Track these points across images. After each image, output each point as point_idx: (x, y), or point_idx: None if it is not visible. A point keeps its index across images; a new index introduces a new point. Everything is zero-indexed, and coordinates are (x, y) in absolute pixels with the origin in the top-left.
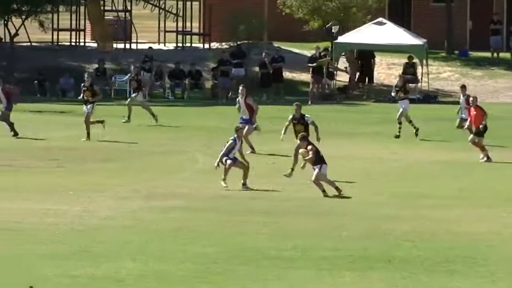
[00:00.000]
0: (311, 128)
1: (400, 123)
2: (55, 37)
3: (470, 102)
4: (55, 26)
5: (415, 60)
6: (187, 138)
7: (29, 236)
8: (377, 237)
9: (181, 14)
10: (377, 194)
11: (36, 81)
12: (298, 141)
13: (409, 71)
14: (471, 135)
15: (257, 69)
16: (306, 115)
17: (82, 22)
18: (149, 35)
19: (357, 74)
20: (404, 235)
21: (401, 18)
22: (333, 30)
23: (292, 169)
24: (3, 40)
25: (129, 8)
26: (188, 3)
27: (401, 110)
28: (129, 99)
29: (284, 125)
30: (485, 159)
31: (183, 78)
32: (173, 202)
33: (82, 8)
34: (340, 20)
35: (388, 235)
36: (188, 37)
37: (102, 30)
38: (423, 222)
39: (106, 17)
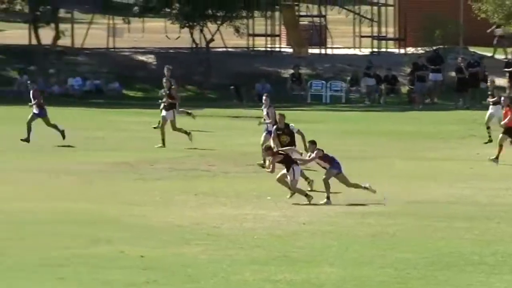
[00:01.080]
0: (297, 137)
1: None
2: (250, 42)
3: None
4: (250, 31)
5: None
6: (384, 143)
7: (228, 242)
8: None
9: (376, 19)
10: None
11: (232, 87)
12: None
13: None
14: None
15: (453, 74)
16: (291, 124)
17: (277, 27)
18: (344, 40)
19: None
20: None
21: None
22: None
23: None
24: (199, 46)
25: (324, 13)
26: (383, 8)
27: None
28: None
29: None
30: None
31: (379, 83)
32: (369, 208)
33: (277, 14)
34: None
35: None
36: (383, 42)
37: (297, 36)
38: None
39: (301, 22)
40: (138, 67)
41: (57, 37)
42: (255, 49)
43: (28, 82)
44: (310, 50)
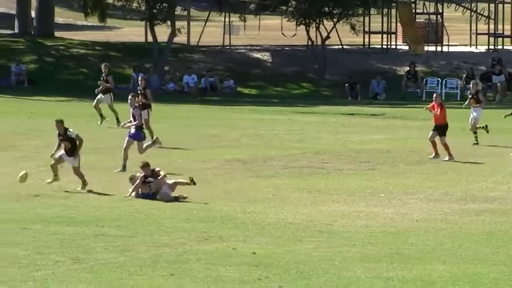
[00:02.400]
0: None
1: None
2: (366, 39)
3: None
4: (366, 29)
5: None
6: (503, 140)
7: (340, 239)
8: None
9: (492, 16)
10: None
11: (347, 84)
12: None
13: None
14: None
15: None
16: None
17: (393, 24)
18: (460, 38)
19: None
20: None
21: None
22: None
23: None
24: (315, 43)
25: (440, 10)
26: (500, 6)
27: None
28: None
29: None
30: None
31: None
32: (485, 205)
33: (393, 11)
34: None
35: None
36: (499, 39)
37: (413, 33)
38: None
39: (417, 20)
40: (253, 64)
41: (173, 34)
42: (371, 46)
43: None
44: (426, 48)
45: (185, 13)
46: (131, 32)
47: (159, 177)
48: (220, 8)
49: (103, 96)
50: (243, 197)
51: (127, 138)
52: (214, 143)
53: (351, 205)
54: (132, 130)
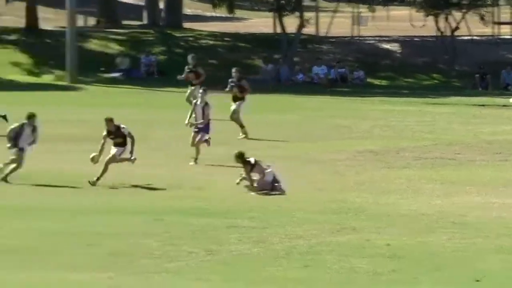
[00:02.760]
0: None
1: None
2: (495, 30)
3: None
4: (495, 19)
5: None
6: None
7: (474, 230)
8: None
9: None
10: None
11: (477, 75)
12: None
13: None
14: None
15: None
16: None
17: None
18: None
19: None
20: None
21: None
22: None
23: None
24: (444, 34)
25: None
26: None
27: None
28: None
29: None
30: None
31: None
32: None
33: None
34: None
35: None
36: None
37: None
38: None
39: None
40: (383, 55)
41: (301, 25)
42: (500, 37)
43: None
44: None
45: (314, 3)
46: (260, 23)
47: None
48: None
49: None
50: (375, 188)
51: (192, 134)
52: (345, 134)
53: (484, 196)
54: (200, 126)
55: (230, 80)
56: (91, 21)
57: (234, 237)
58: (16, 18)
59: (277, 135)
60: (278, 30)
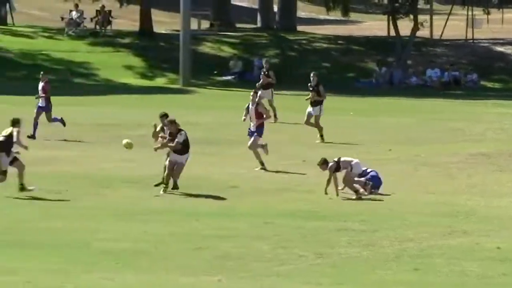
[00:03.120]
0: None
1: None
2: None
3: None
4: None
5: None
6: None
7: None
8: None
9: None
10: None
11: None
12: None
13: None
14: None
15: None
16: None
17: None
18: None
19: None
20: None
21: None
22: None
23: None
24: None
25: None
26: None
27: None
28: None
29: None
30: None
31: None
32: None
33: None
34: None
35: None
36: None
37: None
38: None
39: None
40: (497, 58)
41: (415, 28)
42: None
43: (41, 73)
44: None
45: (428, 6)
46: (374, 26)
47: None
48: (463, 1)
49: (264, 92)
50: (487, 191)
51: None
52: (458, 137)
53: None
54: (252, 128)
55: (309, 84)
56: (205, 24)
57: (344, 240)
58: (130, 22)
59: (390, 138)
60: (392, 33)
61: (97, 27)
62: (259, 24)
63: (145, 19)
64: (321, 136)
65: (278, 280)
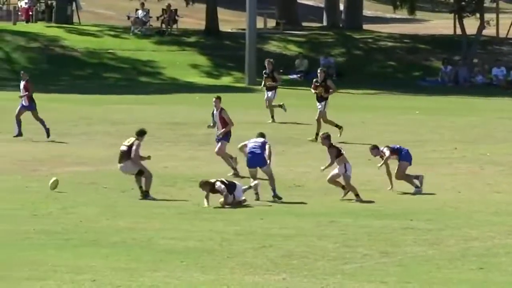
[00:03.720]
0: None
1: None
2: None
3: None
4: None
5: None
6: None
7: None
8: None
9: None
10: None
11: None
12: None
13: None
14: None
15: None
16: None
17: None
18: None
19: None
20: None
21: None
22: None
23: None
24: None
25: None
26: None
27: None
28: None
29: None
30: None
31: None
32: None
33: None
34: None
35: None
36: None
37: None
38: None
39: None
40: None
41: (482, 26)
42: None
43: (22, 72)
44: None
45: (494, 5)
46: (440, 24)
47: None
48: None
49: (269, 93)
50: None
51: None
52: None
53: None
54: (219, 135)
55: (314, 80)
56: (271, 22)
57: (409, 239)
58: (196, 20)
59: (455, 137)
60: (458, 31)
61: (163, 26)
62: (325, 23)
63: (211, 18)
64: (317, 134)
65: (342, 278)
